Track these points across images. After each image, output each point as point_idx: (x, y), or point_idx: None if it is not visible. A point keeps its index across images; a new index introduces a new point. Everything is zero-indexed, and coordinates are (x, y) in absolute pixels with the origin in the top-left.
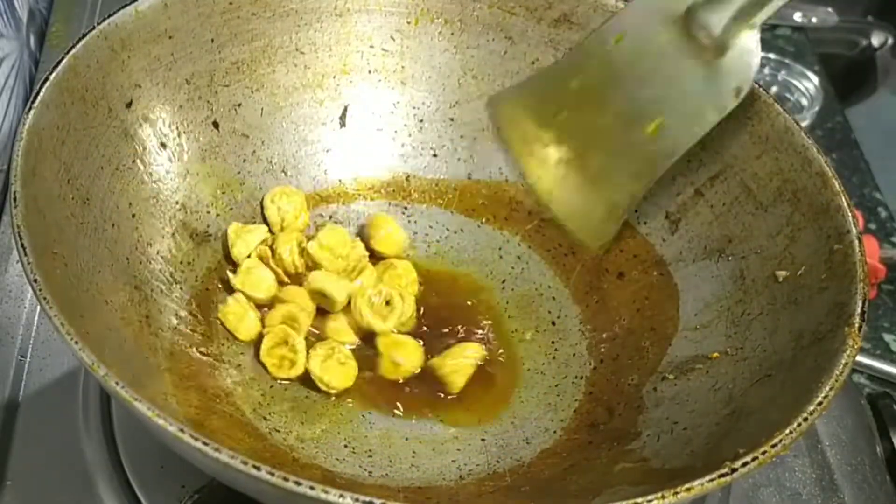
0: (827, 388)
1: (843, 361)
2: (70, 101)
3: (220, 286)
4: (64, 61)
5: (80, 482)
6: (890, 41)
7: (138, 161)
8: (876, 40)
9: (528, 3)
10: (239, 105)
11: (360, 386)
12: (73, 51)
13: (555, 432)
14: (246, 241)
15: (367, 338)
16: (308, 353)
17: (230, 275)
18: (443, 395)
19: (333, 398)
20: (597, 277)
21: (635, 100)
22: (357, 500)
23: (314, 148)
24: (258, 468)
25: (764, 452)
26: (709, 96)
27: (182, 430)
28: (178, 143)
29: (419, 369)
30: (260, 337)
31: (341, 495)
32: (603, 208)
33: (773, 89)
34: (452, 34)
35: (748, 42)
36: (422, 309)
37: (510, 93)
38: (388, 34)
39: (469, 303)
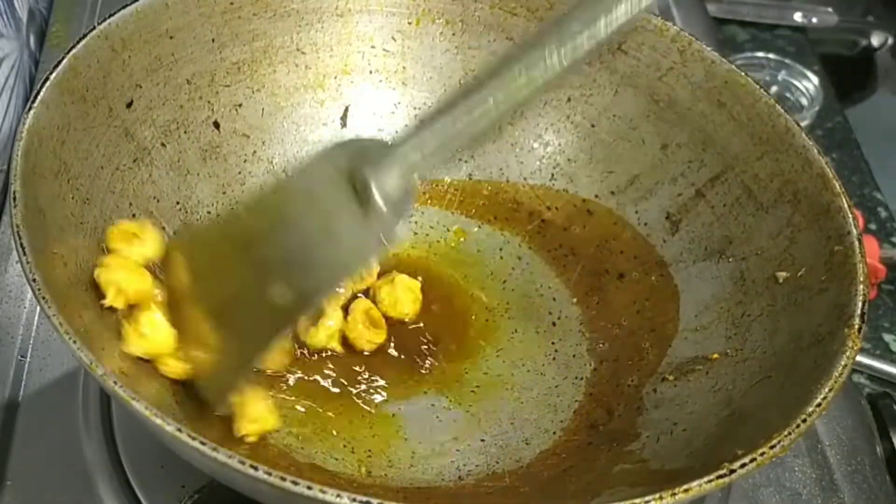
0: (826, 390)
1: (843, 363)
2: (70, 101)
3: None
4: (64, 61)
5: (80, 482)
6: (890, 41)
7: (139, 161)
8: (876, 40)
9: (530, 4)
10: (240, 105)
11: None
12: (74, 50)
13: (554, 433)
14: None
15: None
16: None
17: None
18: (443, 397)
19: (333, 398)
20: (597, 278)
21: (284, 247)
22: (354, 499)
23: (315, 148)
24: (255, 468)
25: (762, 454)
26: (351, 245)
27: (180, 430)
28: (179, 143)
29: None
30: None
31: (338, 495)
32: (230, 362)
33: (773, 89)
34: (454, 35)
35: (389, 198)
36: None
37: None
38: (389, 34)
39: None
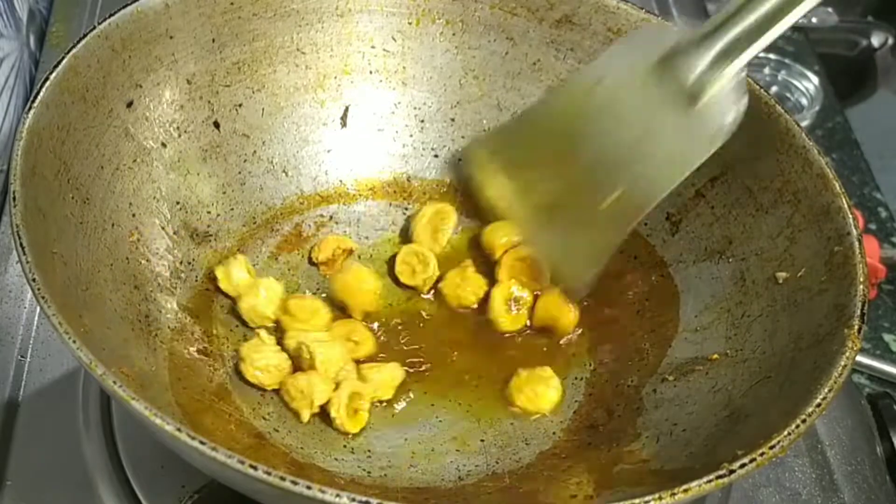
0: (826, 390)
1: (843, 363)
2: (70, 101)
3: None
4: (64, 61)
5: (80, 482)
6: (890, 41)
7: (139, 161)
8: (876, 40)
9: (530, 4)
10: (240, 105)
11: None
12: (74, 50)
13: (554, 433)
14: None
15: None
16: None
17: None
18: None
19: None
20: (597, 279)
21: (610, 147)
22: (353, 499)
23: (315, 148)
24: (255, 467)
25: (762, 454)
26: (682, 144)
27: (179, 430)
28: (179, 142)
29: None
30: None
31: (337, 495)
32: (583, 251)
33: (774, 89)
34: (454, 35)
35: (724, 89)
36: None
37: (486, 141)
38: (389, 34)
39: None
